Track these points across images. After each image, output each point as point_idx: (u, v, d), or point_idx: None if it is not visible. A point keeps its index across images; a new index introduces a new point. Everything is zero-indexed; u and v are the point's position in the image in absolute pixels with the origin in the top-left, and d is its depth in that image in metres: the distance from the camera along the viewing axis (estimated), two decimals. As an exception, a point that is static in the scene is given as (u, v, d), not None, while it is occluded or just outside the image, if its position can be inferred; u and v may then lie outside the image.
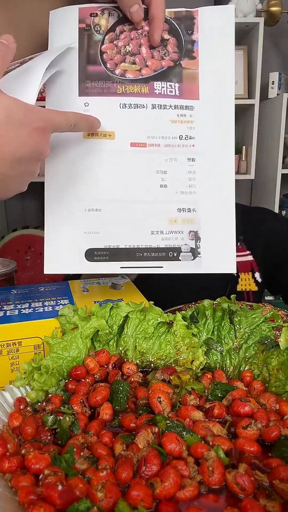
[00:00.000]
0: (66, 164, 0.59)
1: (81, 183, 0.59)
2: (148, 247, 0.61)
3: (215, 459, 0.36)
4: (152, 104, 0.60)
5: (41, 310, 0.60)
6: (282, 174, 2.35)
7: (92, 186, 0.60)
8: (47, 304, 0.62)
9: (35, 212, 2.57)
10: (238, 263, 1.01)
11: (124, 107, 0.60)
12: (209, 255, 0.61)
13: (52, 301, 0.63)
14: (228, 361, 0.54)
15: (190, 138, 0.61)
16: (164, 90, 0.60)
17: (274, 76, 2.37)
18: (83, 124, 0.55)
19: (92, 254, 0.60)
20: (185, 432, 0.40)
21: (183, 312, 0.58)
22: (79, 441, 0.40)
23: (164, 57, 0.60)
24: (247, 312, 0.55)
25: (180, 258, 0.61)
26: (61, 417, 0.43)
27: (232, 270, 0.61)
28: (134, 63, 0.60)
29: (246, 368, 0.53)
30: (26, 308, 0.60)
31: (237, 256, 0.99)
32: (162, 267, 0.61)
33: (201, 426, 0.41)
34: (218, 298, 0.58)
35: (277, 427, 0.41)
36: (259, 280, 1.02)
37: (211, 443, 0.39)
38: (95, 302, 0.63)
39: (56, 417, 0.43)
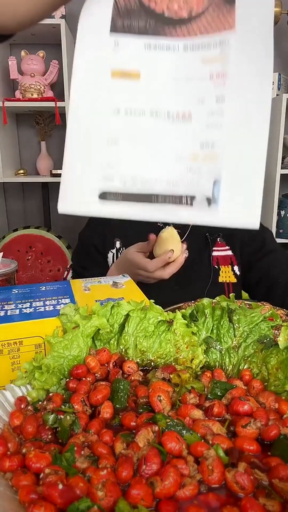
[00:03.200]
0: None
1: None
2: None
3: (214, 458, 0.37)
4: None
5: (42, 309, 0.60)
6: (281, 174, 2.35)
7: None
8: (48, 304, 0.62)
9: (36, 212, 2.57)
10: (219, 257, 1.08)
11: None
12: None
13: (53, 300, 0.63)
14: (228, 359, 0.54)
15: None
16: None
17: (273, 77, 2.37)
18: None
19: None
20: (185, 431, 0.40)
21: (183, 310, 0.58)
22: (79, 440, 0.40)
23: None
24: (246, 311, 0.56)
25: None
26: (62, 416, 0.43)
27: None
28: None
29: (246, 367, 0.53)
30: (27, 307, 0.61)
31: (218, 250, 1.08)
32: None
33: (201, 424, 0.41)
34: (217, 297, 0.58)
35: (276, 426, 0.41)
36: (238, 273, 1.09)
37: (210, 442, 0.39)
38: (96, 301, 0.63)
39: (56, 416, 0.43)
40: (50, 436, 0.42)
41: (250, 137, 0.55)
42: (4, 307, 0.61)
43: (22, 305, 0.61)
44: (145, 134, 0.57)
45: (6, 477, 0.37)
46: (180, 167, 0.57)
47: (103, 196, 0.57)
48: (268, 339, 0.53)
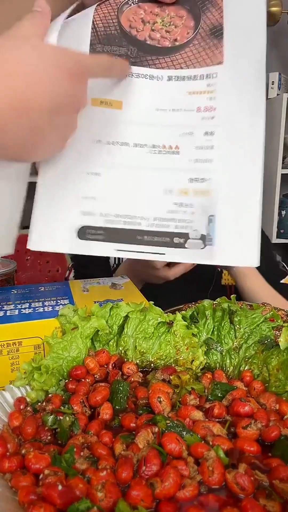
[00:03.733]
0: None
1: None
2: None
3: (215, 459, 0.36)
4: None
5: (41, 310, 0.60)
6: (281, 174, 2.36)
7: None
8: (47, 304, 0.62)
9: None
10: None
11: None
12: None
13: (52, 301, 0.63)
14: (228, 361, 0.54)
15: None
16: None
17: (274, 76, 2.38)
18: (117, 68, 0.52)
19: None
20: (185, 432, 0.40)
21: (183, 312, 0.58)
22: (79, 441, 0.40)
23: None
24: (247, 312, 0.55)
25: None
26: (61, 417, 0.43)
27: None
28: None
29: (246, 368, 0.53)
30: (26, 308, 0.60)
31: None
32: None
33: (201, 426, 0.41)
34: (218, 298, 0.58)
35: (277, 427, 0.41)
36: None
37: (211, 443, 0.39)
38: (95, 302, 0.63)
39: (56, 417, 0.43)
40: (49, 437, 0.42)
41: (244, 172, 0.52)
42: (3, 307, 0.61)
43: (21, 306, 0.61)
44: (129, 166, 0.54)
45: (6, 478, 0.37)
46: (169, 202, 0.53)
47: (82, 232, 0.53)
48: (269, 340, 0.53)
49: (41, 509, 0.31)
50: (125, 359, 0.55)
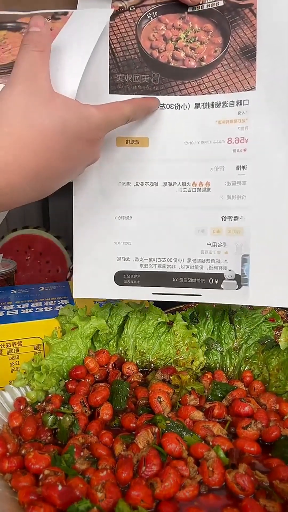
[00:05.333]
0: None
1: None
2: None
3: (215, 459, 0.36)
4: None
5: (41, 310, 0.60)
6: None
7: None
8: (47, 304, 0.62)
9: (35, 212, 2.56)
10: None
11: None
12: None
13: (52, 301, 0.63)
14: (228, 361, 0.54)
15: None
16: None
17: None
18: (141, 112, 0.49)
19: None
20: (185, 432, 0.40)
21: (183, 312, 0.58)
22: (79, 441, 0.40)
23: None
24: (247, 312, 0.55)
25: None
26: (61, 417, 0.43)
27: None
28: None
29: (246, 368, 0.53)
30: (26, 308, 0.60)
31: None
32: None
33: (201, 426, 0.41)
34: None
35: (277, 427, 0.41)
36: None
37: (211, 443, 0.39)
38: (95, 302, 0.63)
39: (56, 417, 0.43)
40: (49, 437, 0.42)
41: (278, 209, 0.49)
42: (3, 307, 0.61)
43: (21, 306, 0.61)
44: (160, 206, 0.52)
45: (5, 478, 0.37)
46: (202, 242, 0.51)
47: (119, 278, 0.53)
48: (269, 340, 0.53)
49: (41, 509, 0.31)
50: (125, 359, 0.55)
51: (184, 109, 0.50)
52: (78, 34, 0.46)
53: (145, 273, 0.53)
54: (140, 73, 0.50)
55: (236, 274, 0.51)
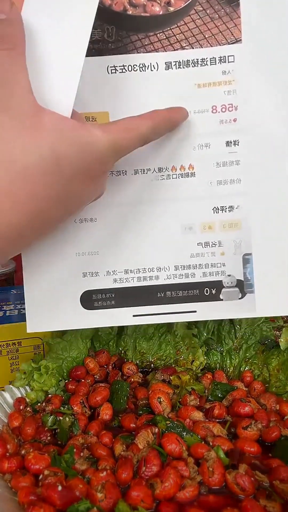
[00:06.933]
0: None
1: None
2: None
3: (215, 459, 0.36)
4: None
5: (41, 310, 0.60)
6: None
7: None
8: (47, 305, 0.62)
9: (35, 213, 2.57)
10: None
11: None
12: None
13: (52, 302, 0.63)
14: (228, 361, 0.54)
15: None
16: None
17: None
18: (164, 129, 0.38)
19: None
20: (185, 433, 0.40)
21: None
22: (79, 442, 0.40)
23: None
24: (247, 312, 0.55)
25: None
26: (61, 418, 0.43)
27: None
28: None
29: (246, 368, 0.53)
30: (26, 308, 0.60)
31: None
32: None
33: (201, 426, 0.41)
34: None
35: (277, 428, 0.41)
36: None
37: (211, 444, 0.39)
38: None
39: (56, 417, 0.43)
40: (49, 438, 0.42)
41: (283, 193, 0.40)
42: (3, 307, 0.61)
43: (21, 306, 0.61)
44: (131, 202, 0.41)
45: (5, 479, 0.37)
46: (191, 243, 0.41)
47: (87, 300, 0.42)
48: (269, 340, 0.52)
49: (41, 509, 0.31)
50: (125, 360, 0.55)
51: (151, 70, 0.39)
52: (61, 13, 0.32)
53: (121, 290, 0.42)
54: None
55: (237, 280, 0.42)
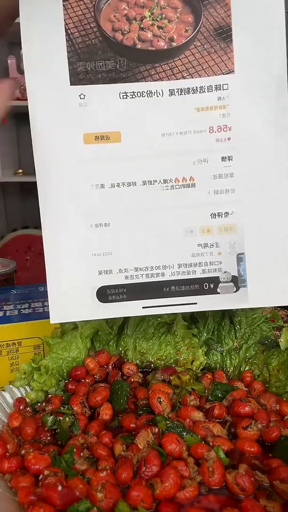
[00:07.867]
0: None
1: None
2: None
3: (215, 459, 0.36)
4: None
5: (41, 310, 0.60)
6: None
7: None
8: (47, 304, 0.62)
9: (35, 212, 2.56)
10: None
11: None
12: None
13: (52, 301, 0.63)
14: (228, 361, 0.54)
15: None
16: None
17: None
18: None
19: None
20: (185, 433, 0.40)
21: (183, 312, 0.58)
22: (79, 442, 0.40)
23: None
24: (247, 312, 0.55)
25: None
26: (61, 418, 0.43)
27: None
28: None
29: (247, 368, 0.53)
30: (26, 308, 0.60)
31: None
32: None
33: (201, 426, 0.41)
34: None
35: (277, 428, 0.41)
36: None
37: (211, 444, 0.39)
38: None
39: (56, 417, 0.43)
40: (49, 438, 0.42)
41: (271, 201, 0.47)
42: (3, 307, 0.61)
43: (21, 306, 0.61)
44: (141, 209, 0.47)
45: (5, 479, 0.37)
46: (192, 245, 0.48)
47: (103, 294, 0.48)
48: (269, 340, 0.52)
49: (41, 509, 0.31)
50: (125, 360, 0.55)
51: (157, 96, 0.46)
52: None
53: (132, 286, 0.48)
54: (103, 60, 0.45)
55: (232, 276, 0.48)
